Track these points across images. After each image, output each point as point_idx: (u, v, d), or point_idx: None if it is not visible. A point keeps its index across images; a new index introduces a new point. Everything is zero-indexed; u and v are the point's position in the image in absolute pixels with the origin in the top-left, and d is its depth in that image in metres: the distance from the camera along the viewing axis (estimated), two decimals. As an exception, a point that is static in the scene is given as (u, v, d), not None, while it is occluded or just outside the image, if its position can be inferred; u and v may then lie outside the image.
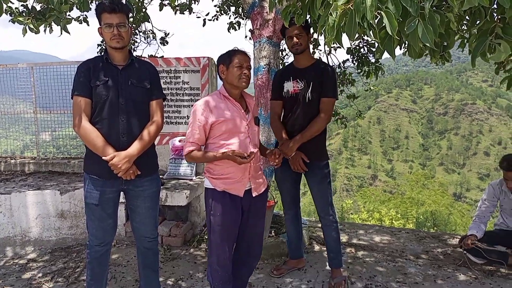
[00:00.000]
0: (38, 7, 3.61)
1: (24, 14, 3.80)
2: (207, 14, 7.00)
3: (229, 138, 2.22)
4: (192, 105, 4.32)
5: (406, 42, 1.79)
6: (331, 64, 5.76)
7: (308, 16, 2.16)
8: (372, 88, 6.40)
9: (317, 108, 2.77)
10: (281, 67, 4.54)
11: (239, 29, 7.20)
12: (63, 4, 2.49)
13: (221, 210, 2.24)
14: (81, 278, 3.14)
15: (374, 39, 1.54)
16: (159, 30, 6.79)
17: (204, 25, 7.07)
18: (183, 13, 6.52)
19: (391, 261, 3.45)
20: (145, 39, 6.61)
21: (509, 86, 2.50)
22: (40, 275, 3.25)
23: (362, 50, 5.48)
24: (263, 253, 2.67)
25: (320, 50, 5.91)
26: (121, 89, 2.30)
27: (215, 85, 4.48)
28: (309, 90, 2.75)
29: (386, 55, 1.78)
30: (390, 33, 1.41)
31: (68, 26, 3.14)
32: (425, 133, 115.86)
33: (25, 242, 3.82)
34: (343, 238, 4.03)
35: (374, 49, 5.29)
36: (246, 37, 6.82)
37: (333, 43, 1.64)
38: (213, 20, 7.20)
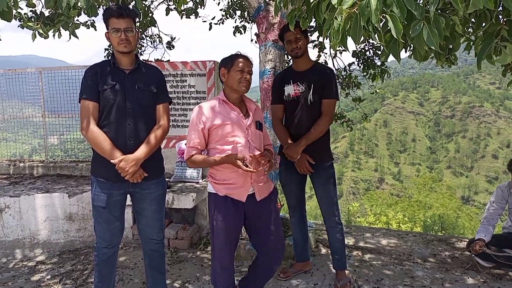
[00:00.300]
0: (46, 13, 3.67)
1: (33, 19, 3.86)
2: (213, 18, 7.04)
3: (227, 143, 2.23)
4: (198, 109, 4.35)
5: (412, 45, 1.80)
6: (336, 67, 5.78)
7: (313, 20, 2.17)
8: (378, 91, 6.39)
9: (319, 110, 2.81)
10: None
11: (244, 32, 7.23)
12: (72, 9, 2.52)
13: (223, 214, 2.24)
14: (89, 281, 3.16)
15: (379, 42, 1.55)
16: (166, 35, 6.85)
17: (210, 29, 7.11)
18: (189, 17, 6.57)
19: (399, 264, 3.43)
20: (151, 44, 6.67)
21: (516, 88, 2.49)
22: (48, 277, 3.28)
23: (367, 53, 5.48)
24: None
25: (326, 53, 5.91)
26: (128, 93, 2.33)
27: (221, 89, 4.49)
28: (310, 93, 2.79)
29: (392, 57, 1.78)
30: (395, 36, 1.42)
31: (76, 30, 3.19)
32: (432, 136, 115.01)
33: (34, 245, 3.86)
34: (350, 241, 4.02)
35: (379, 52, 5.29)
36: (251, 40, 6.85)
37: (339, 47, 1.65)
38: (219, 24, 7.24)
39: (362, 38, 1.51)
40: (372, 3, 1.40)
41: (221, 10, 7.20)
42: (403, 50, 1.85)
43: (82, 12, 3.22)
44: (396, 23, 1.41)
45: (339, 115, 5.95)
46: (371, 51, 5.42)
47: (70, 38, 3.07)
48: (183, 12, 6.44)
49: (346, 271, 3.03)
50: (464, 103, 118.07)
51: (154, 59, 5.90)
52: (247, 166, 2.14)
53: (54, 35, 2.97)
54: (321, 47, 5.80)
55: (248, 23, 7.15)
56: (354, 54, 5.47)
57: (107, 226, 2.41)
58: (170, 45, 6.81)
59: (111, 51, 6.33)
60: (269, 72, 3.63)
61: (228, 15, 7.23)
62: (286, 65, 6.05)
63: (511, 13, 1.61)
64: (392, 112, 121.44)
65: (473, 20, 1.99)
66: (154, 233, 2.54)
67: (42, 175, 4.95)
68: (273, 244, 2.38)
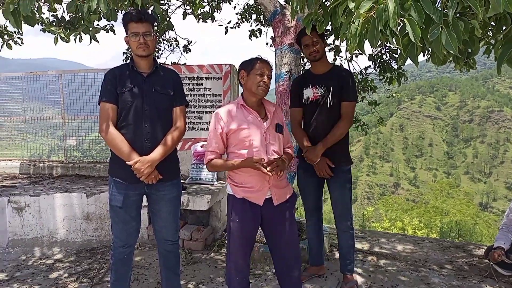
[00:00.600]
0: (67, 17, 3.77)
1: (54, 24, 3.97)
2: (229, 22, 7.10)
3: (244, 147, 2.23)
4: (214, 112, 4.38)
5: (430, 49, 1.78)
6: (352, 71, 5.75)
7: (329, 24, 2.17)
8: (394, 94, 6.33)
9: (338, 113, 2.80)
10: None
11: (260, 36, 7.26)
12: (92, 14, 2.59)
13: (240, 216, 2.26)
14: (105, 279, 3.21)
15: (397, 46, 1.54)
16: (182, 38, 6.93)
17: (226, 33, 7.17)
18: (206, 22, 6.64)
19: (414, 270, 3.38)
20: (168, 47, 6.76)
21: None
22: (66, 275, 3.34)
23: (384, 56, 5.44)
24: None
25: (341, 57, 5.90)
26: (145, 96, 2.37)
27: (236, 92, 4.53)
28: (329, 96, 2.78)
29: (409, 61, 1.78)
30: (413, 41, 1.41)
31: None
32: (449, 141, 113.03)
33: (52, 243, 3.95)
34: (365, 246, 3.99)
35: (396, 56, 5.24)
36: (267, 44, 6.89)
37: (355, 50, 1.65)
38: (235, 28, 7.29)
39: (379, 42, 1.51)
40: (389, 7, 1.40)
41: (237, 14, 7.25)
42: (421, 53, 1.84)
43: (102, 17, 3.30)
44: (414, 27, 1.41)
45: (354, 119, 5.91)
46: (388, 55, 5.38)
47: (91, 42, 3.14)
48: (199, 16, 6.51)
49: (353, 275, 3.05)
50: (483, 107, 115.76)
51: (171, 62, 5.98)
52: (265, 167, 2.14)
53: (75, 39, 3.04)
54: (337, 50, 5.79)
55: (264, 26, 7.18)
56: (371, 57, 5.44)
57: (124, 226, 2.45)
58: (186, 49, 6.89)
59: (129, 55, 6.44)
60: (284, 76, 3.64)
61: (244, 19, 7.27)
62: (302, 68, 6.07)
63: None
64: (409, 116, 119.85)
65: (492, 23, 1.96)
66: (169, 234, 2.57)
67: (61, 175, 5.06)
68: (287, 250, 2.37)
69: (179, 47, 6.84)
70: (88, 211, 4.00)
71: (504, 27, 1.81)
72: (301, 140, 2.88)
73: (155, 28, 3.47)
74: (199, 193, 3.83)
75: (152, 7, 3.02)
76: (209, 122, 4.34)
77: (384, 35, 1.48)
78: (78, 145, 5.63)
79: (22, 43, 4.73)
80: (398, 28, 1.47)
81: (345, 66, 5.86)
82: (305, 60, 6.13)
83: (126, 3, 2.76)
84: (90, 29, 2.93)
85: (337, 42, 5.54)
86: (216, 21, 6.81)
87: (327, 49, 5.72)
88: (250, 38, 7.36)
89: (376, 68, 5.54)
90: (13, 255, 3.79)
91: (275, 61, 3.70)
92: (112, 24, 5.22)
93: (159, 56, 6.65)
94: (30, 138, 5.80)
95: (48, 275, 3.37)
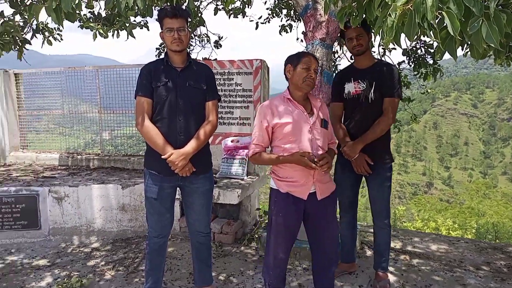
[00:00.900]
0: (103, 14, 3.90)
1: (91, 20, 4.11)
2: (260, 17, 7.11)
3: (290, 141, 2.22)
4: (244, 107, 4.42)
5: (469, 43, 1.73)
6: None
7: (363, 17, 2.14)
8: (429, 90, 6.15)
9: (380, 108, 2.72)
10: (333, 69, 4.51)
11: (290, 31, 7.24)
12: (129, 10, 2.67)
13: (284, 211, 2.25)
14: (140, 268, 3.33)
15: (434, 39, 1.51)
16: (213, 34, 7.01)
17: (256, 28, 7.19)
18: (237, 17, 6.68)
19: (449, 270, 3.30)
20: (200, 43, 6.86)
21: None
22: (103, 263, 3.49)
23: (419, 51, 5.29)
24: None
25: (374, 52, 5.78)
26: (179, 90, 2.43)
27: (267, 87, 4.55)
28: (372, 90, 2.71)
29: (444, 57, 1.73)
30: (452, 34, 1.38)
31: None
32: (486, 140, 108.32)
33: (89, 232, 4.12)
34: (397, 244, 3.92)
35: (432, 50, 5.09)
36: (297, 39, 6.85)
37: (390, 44, 1.63)
38: (265, 23, 7.30)
39: (416, 36, 1.48)
40: (428, -1, 1.37)
41: (267, 9, 7.25)
42: (459, 47, 1.79)
43: (138, 13, 3.40)
44: (453, 20, 1.37)
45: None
46: (423, 49, 5.23)
47: (127, 38, 3.24)
48: (230, 12, 6.56)
49: (386, 273, 2.99)
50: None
51: (202, 58, 6.06)
52: (314, 162, 2.13)
53: (112, 35, 3.15)
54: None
55: (294, 21, 7.15)
56: (405, 52, 5.30)
57: (159, 217, 2.53)
58: (217, 44, 6.96)
59: (161, 50, 6.58)
60: (316, 71, 3.61)
61: (274, 14, 7.27)
62: (333, 64, 6.00)
63: None
64: (443, 114, 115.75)
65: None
66: (202, 226, 2.63)
67: (98, 167, 5.25)
68: (330, 245, 2.36)
69: (210, 42, 6.92)
70: (124, 202, 4.14)
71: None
72: (340, 135, 2.82)
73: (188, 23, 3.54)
74: (229, 187, 3.88)
75: (186, 2, 3.07)
76: (240, 117, 4.43)
77: (421, 28, 1.45)
78: (112, 139, 5.82)
79: (62, 39, 4.93)
80: (436, 21, 1.43)
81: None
82: (336, 55, 6.07)
83: (161, -1, 2.83)
84: (127, 25, 3.02)
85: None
86: (246, 16, 6.84)
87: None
88: (280, 34, 7.35)
89: (411, 63, 5.39)
90: (54, 243, 3.99)
91: (307, 56, 3.68)
92: (146, 20, 5.34)
93: (190, 51, 6.76)
94: (67, 132, 6.04)
95: (86, 262, 3.52)
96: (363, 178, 2.94)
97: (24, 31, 4.00)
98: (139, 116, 2.41)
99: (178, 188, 2.60)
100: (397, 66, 5.70)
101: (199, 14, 6.00)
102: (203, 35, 6.90)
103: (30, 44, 4.01)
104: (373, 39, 2.94)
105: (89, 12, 4.36)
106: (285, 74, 2.33)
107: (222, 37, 7.10)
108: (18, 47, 3.86)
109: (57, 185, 4.17)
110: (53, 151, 5.85)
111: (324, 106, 2.41)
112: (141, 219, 4.14)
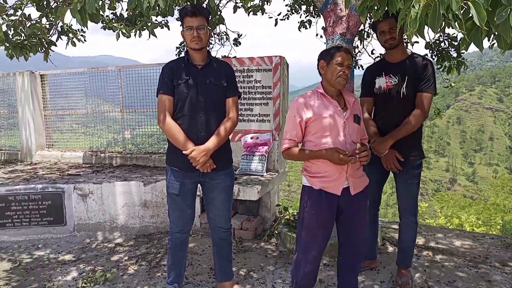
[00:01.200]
0: (125, 14, 3.97)
1: (113, 21, 4.18)
2: (279, 14, 7.08)
3: (323, 136, 2.19)
4: (263, 103, 4.42)
5: (495, 33, 1.68)
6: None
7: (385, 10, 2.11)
8: (453, 84, 6.00)
9: (412, 103, 2.64)
10: (354, 64, 4.44)
11: (309, 27, 7.18)
12: (151, 10, 2.70)
13: (317, 208, 2.22)
14: (162, 263, 3.39)
15: (459, 30, 1.47)
16: (232, 32, 7.01)
17: (276, 25, 7.16)
18: (256, 14, 6.67)
19: (473, 267, 3.23)
20: (219, 41, 6.88)
21: None
22: (126, 258, 3.56)
23: (442, 44, 5.16)
24: (335, 250, 2.63)
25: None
26: (200, 87, 2.45)
27: (286, 84, 4.53)
28: (404, 85, 2.64)
29: (468, 50, 1.69)
30: (478, 24, 1.35)
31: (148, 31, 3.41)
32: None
33: (113, 228, 4.21)
34: (420, 240, 3.86)
35: (456, 43, 4.95)
36: (317, 35, 6.80)
37: (413, 36, 1.60)
38: (284, 20, 7.26)
39: (440, 27, 1.45)
40: (453, -11, 1.34)
41: (286, 5, 7.21)
42: (485, 38, 1.74)
43: (159, 12, 3.44)
44: (480, 10, 1.34)
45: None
46: (446, 42, 5.10)
47: (149, 37, 3.29)
48: (249, 9, 6.55)
49: (409, 269, 2.95)
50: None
51: (222, 56, 6.09)
52: (351, 156, 2.10)
53: (135, 35, 3.20)
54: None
55: (313, 17, 7.08)
56: (427, 45, 5.18)
57: (181, 213, 2.57)
58: (236, 42, 6.97)
59: (181, 49, 6.64)
60: (336, 66, 3.58)
61: (293, 10, 7.22)
62: (354, 59, 5.92)
63: None
64: (467, 108, 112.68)
65: None
66: (223, 222, 2.66)
67: (120, 165, 5.36)
68: (361, 240, 2.34)
69: (229, 40, 6.93)
70: (145, 198, 4.22)
71: None
72: (370, 131, 2.75)
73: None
74: (249, 183, 3.90)
75: (207, 0, 3.09)
76: (259, 114, 4.43)
77: (446, 20, 1.42)
78: (133, 138, 5.92)
79: (85, 40, 5.03)
80: (462, 11, 1.40)
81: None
82: (357, 50, 5.99)
83: (182, -2, 2.86)
84: (149, 24, 3.06)
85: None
86: (266, 13, 6.82)
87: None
88: (299, 30, 7.31)
89: (434, 57, 5.26)
90: (79, 238, 4.10)
91: (326, 52, 3.65)
92: (166, 20, 5.40)
93: (210, 49, 6.79)
94: (90, 131, 6.18)
95: (110, 257, 3.60)
96: (390, 175, 2.89)
97: (50, 33, 4.10)
98: (161, 113, 2.45)
99: (198, 185, 2.63)
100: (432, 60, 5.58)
101: (219, 12, 6.02)
102: (222, 33, 6.92)
103: (56, 45, 4.11)
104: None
105: (111, 13, 4.45)
106: (318, 70, 2.30)
107: (241, 35, 7.10)
108: (44, 49, 3.97)
109: (82, 183, 4.28)
110: (77, 149, 6.00)
111: (357, 101, 2.37)
112: (163, 215, 4.20)
